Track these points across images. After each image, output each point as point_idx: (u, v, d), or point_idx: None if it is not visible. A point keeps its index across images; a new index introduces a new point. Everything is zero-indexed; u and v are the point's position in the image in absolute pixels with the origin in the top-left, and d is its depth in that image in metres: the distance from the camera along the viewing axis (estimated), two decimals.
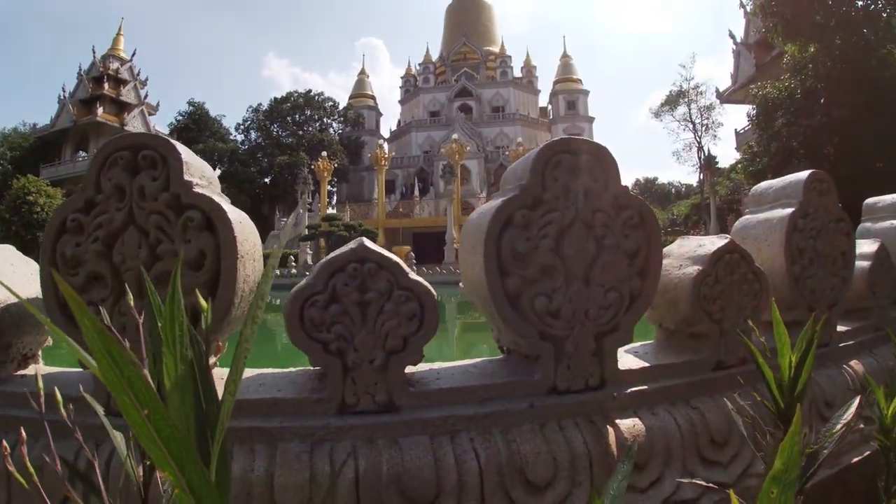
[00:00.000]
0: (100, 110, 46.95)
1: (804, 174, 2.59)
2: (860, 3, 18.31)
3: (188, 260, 1.64)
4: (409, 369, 1.77)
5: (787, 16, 18.31)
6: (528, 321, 1.71)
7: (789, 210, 2.49)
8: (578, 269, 1.74)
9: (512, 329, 1.72)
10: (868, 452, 2.56)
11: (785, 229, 2.43)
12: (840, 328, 2.90)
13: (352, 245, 1.62)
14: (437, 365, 1.91)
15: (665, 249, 2.29)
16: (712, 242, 2.16)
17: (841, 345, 2.83)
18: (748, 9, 37.42)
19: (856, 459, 2.55)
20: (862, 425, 2.58)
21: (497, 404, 1.70)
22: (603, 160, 1.78)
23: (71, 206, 1.72)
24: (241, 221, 1.69)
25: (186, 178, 1.66)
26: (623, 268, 1.80)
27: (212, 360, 1.87)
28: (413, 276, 1.61)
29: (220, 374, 1.92)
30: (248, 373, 1.93)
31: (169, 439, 0.60)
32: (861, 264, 3.08)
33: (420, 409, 1.65)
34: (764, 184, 2.82)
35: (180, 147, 1.71)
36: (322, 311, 1.60)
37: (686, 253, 2.18)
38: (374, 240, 37.71)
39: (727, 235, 2.21)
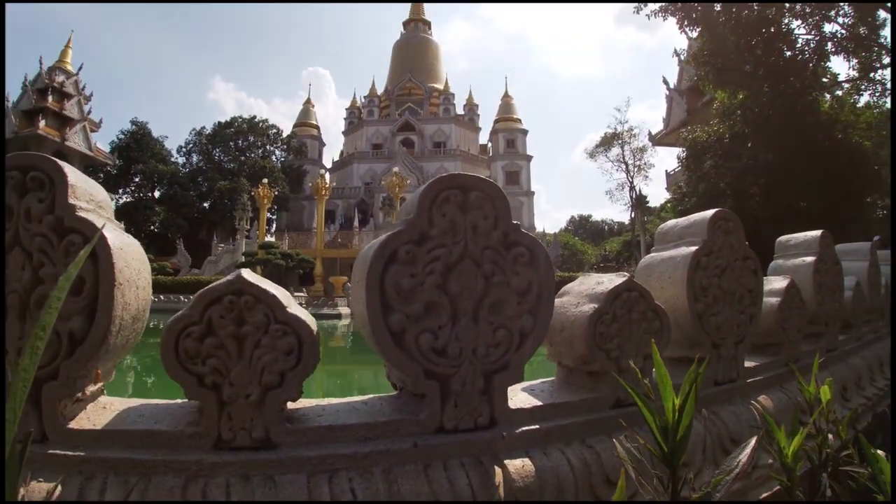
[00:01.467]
0: (42, 123, 45.65)
1: (709, 213, 2.68)
2: (788, 53, 19.42)
3: None
4: (293, 405, 1.75)
5: (718, 65, 19.51)
6: (412, 359, 1.71)
7: (693, 248, 2.56)
8: (466, 306, 1.75)
9: (396, 366, 1.71)
10: (777, 487, 2.62)
11: (688, 267, 2.50)
12: (749, 363, 2.97)
13: (230, 276, 1.60)
14: (324, 401, 1.88)
15: (565, 287, 2.32)
16: (611, 280, 2.20)
17: (749, 380, 2.90)
18: (682, 57, 39.62)
19: (765, 495, 2.61)
20: (771, 460, 2.63)
21: (379, 443, 1.69)
22: (493, 197, 1.80)
23: None
24: (122, 248, 1.67)
25: (71, 201, 1.64)
26: (513, 305, 1.82)
27: (93, 387, 1.82)
28: (292, 310, 1.60)
29: (104, 403, 1.88)
30: (132, 402, 1.90)
31: None
32: (771, 300, 3.18)
33: (298, 447, 1.63)
34: (670, 222, 2.90)
35: (68, 169, 1.70)
36: (197, 342, 1.57)
37: (584, 290, 2.22)
38: (311, 269, 37.47)
39: (626, 273, 2.25)
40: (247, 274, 1.62)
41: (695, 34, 21.00)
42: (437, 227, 1.73)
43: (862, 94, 21.42)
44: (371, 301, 1.65)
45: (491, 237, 1.79)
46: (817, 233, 3.94)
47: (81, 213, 1.64)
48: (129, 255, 1.70)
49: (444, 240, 1.73)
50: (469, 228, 1.76)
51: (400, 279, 1.67)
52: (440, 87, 78.56)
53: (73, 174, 1.70)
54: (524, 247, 1.84)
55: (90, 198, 1.75)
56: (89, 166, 53.45)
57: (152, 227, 59.23)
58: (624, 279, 2.19)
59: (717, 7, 18.96)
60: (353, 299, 1.87)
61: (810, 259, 3.79)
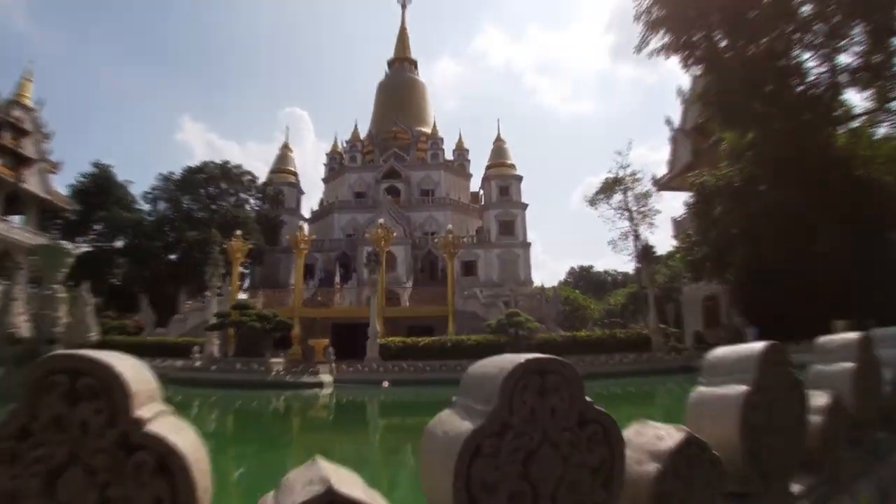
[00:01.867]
0: None
1: (758, 348, 2.78)
2: (800, 87, 18.99)
3: None
4: None
5: (726, 104, 19.17)
6: None
7: (743, 388, 2.65)
8: (546, 490, 1.82)
9: None
10: None
11: (740, 408, 2.59)
12: (795, 487, 3.04)
13: (318, 488, 1.63)
14: None
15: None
16: (670, 435, 2.28)
17: None
18: (686, 96, 39.02)
19: None
20: None
21: None
22: (569, 378, 1.88)
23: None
24: (197, 459, 1.57)
25: (136, 414, 1.51)
26: (588, 483, 1.89)
27: None
28: None
29: None
30: None
31: None
32: (815, 419, 3.27)
33: None
34: (719, 352, 2.99)
35: (126, 376, 1.53)
36: None
37: (644, 444, 2.30)
38: (289, 330, 34.39)
39: (684, 427, 2.34)
40: (336, 482, 1.64)
41: (699, 71, 20.60)
42: (518, 415, 1.80)
43: (879, 126, 21.11)
44: (458, 499, 1.71)
45: (568, 419, 1.87)
46: (855, 336, 4.05)
47: (149, 428, 1.51)
48: (199, 460, 1.59)
49: (524, 428, 1.80)
50: (548, 413, 1.84)
51: (485, 473, 1.74)
52: (428, 130, 75.94)
53: (132, 378, 1.55)
54: (598, 424, 1.92)
55: (148, 396, 1.61)
56: (46, 211, 51.05)
57: (114, 281, 55.74)
58: (683, 434, 2.27)
59: (723, 43, 18.64)
60: (429, 488, 1.91)
61: (849, 365, 3.89)
